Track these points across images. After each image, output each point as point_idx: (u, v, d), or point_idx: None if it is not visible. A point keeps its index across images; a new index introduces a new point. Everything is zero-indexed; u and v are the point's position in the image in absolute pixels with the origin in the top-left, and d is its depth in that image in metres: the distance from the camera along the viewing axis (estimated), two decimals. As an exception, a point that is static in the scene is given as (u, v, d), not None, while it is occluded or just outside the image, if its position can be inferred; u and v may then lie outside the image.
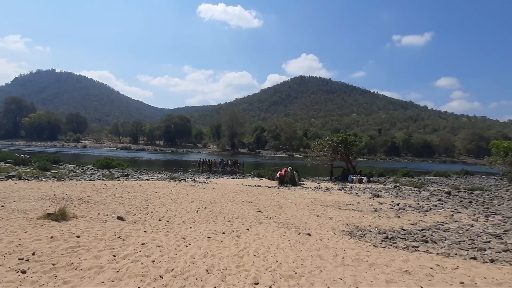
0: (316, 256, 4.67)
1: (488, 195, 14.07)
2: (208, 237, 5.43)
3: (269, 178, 19.84)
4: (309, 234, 6.22)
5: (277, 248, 5.01)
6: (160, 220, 6.77)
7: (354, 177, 20.26)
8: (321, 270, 4.02)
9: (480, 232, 7.02)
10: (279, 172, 17.94)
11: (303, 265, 4.21)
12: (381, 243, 5.94)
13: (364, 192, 14.39)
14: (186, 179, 17.80)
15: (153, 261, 3.98)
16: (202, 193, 11.40)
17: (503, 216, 9.09)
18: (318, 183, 18.44)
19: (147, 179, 16.88)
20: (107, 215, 6.77)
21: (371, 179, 21.65)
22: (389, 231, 7.09)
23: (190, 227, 6.17)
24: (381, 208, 10.30)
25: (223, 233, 5.82)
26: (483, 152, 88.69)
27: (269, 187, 15.53)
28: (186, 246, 4.83)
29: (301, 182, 18.38)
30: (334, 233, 6.54)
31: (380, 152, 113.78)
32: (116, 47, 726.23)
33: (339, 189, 15.78)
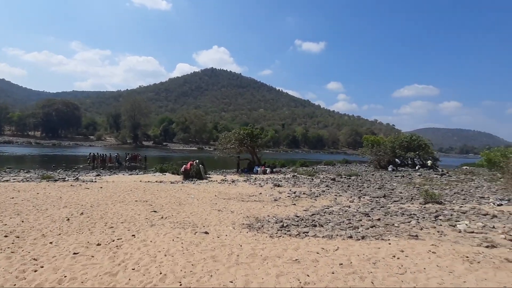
0: (210, 258, 4.27)
1: (360, 179, 17.12)
2: (75, 253, 4.26)
3: (173, 173, 18.52)
4: (206, 233, 5.79)
5: (165, 255, 4.35)
6: (6, 236, 5.00)
7: (259, 169, 21.20)
8: (211, 275, 3.62)
9: (355, 212, 8.21)
10: (184, 166, 16.93)
11: (192, 272, 3.72)
12: (277, 233, 6.07)
13: (267, 183, 15.12)
14: (67, 178, 14.58)
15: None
16: (83, 194, 9.40)
17: (370, 197, 11.06)
18: (225, 176, 18.40)
19: (7, 180, 12.99)
20: None
21: (274, 169, 23.20)
22: (285, 219, 7.42)
23: (51, 242, 4.76)
24: (280, 197, 10.90)
25: (98, 244, 4.72)
26: (358, 144, 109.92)
27: (172, 183, 14.40)
28: (35, 271, 3.59)
29: (207, 175, 17.90)
30: (234, 228, 6.33)
31: (283, 145, 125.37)
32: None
33: (244, 180, 16.11)
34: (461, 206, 8.74)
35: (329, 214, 8.08)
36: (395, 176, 18.93)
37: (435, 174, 20.61)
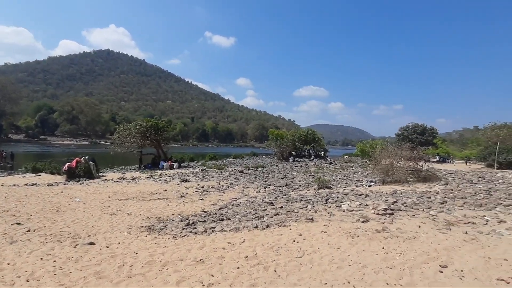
0: (93, 275, 3.47)
1: (266, 170, 18.24)
2: None
3: (52, 173, 15.07)
4: (92, 243, 4.78)
5: (27, 281, 3.31)
6: None
7: (165, 164, 19.74)
8: (91, 298, 2.91)
9: (261, 202, 8.54)
10: (67, 163, 13.98)
11: (64, 299, 2.90)
12: (181, 232, 5.61)
13: (173, 179, 14.17)
14: None
15: None
16: None
17: (274, 186, 11.83)
18: (124, 173, 16.24)
19: None
20: None
21: (182, 164, 22.11)
22: (192, 216, 7.01)
23: None
24: (187, 193, 10.33)
25: None
26: (264, 138, 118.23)
27: (49, 185, 11.62)
28: None
29: (100, 173, 15.39)
30: (129, 233, 5.49)
31: (192, 138, 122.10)
32: None
33: (148, 177, 14.62)
34: (344, 189, 10.37)
35: (237, 206, 8.12)
36: (295, 166, 21.09)
37: (325, 163, 24.09)
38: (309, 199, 8.43)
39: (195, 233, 5.58)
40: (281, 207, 7.59)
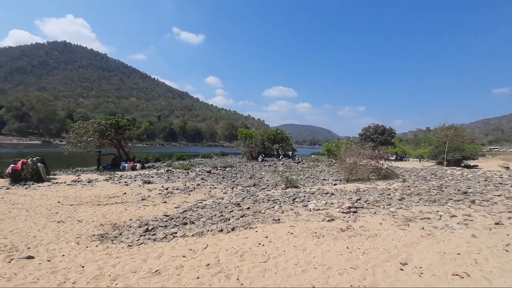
0: (24, 298, 2.96)
1: (234, 170, 17.97)
2: None
3: (-9, 176, 13.33)
4: (30, 257, 4.17)
5: None
6: None
7: (126, 165, 18.54)
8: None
9: (227, 203, 8.28)
10: (12, 165, 12.45)
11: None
12: (138, 240, 5.16)
13: (135, 180, 13.31)
14: None
15: None
16: None
17: (242, 186, 11.63)
18: (79, 176, 14.91)
19: None
20: None
21: (146, 165, 20.99)
22: (152, 220, 6.54)
23: None
24: (149, 196, 9.72)
25: None
26: (234, 137, 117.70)
27: (-14, 190, 10.22)
28: None
29: (51, 176, 13.96)
30: (78, 243, 4.91)
31: (159, 138, 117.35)
32: None
33: (106, 180, 13.56)
34: (311, 188, 10.50)
35: (202, 208, 7.78)
36: (264, 166, 21.10)
37: (293, 162, 24.46)
38: (277, 199, 8.36)
39: (154, 240, 5.17)
40: (248, 208, 7.40)
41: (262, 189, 10.98)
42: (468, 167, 21.67)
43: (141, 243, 4.93)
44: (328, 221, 5.83)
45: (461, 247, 4.21)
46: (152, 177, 14.51)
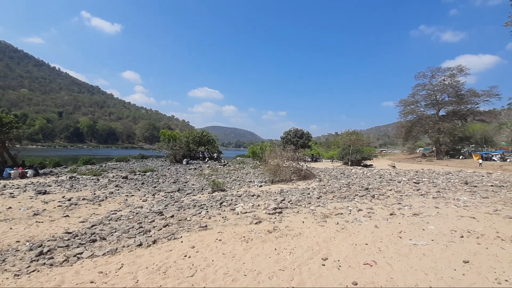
0: None
1: (156, 175, 16.60)
2: None
3: None
4: None
5: None
6: None
7: (12, 171, 14.88)
8: None
9: (148, 212, 7.48)
10: None
11: None
12: (29, 266, 4.09)
13: (25, 191, 10.76)
14: None
15: None
16: None
17: (165, 192, 10.77)
18: None
19: None
20: None
21: (41, 171, 17.32)
22: (49, 240, 5.31)
23: None
24: (45, 209, 7.94)
25: None
26: (155, 139, 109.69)
27: None
28: None
29: None
30: None
31: (60, 138, 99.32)
32: None
33: (-21, 191, 10.50)
34: (238, 191, 10.54)
35: (116, 220, 6.79)
36: (189, 169, 20.23)
37: (219, 165, 24.28)
38: (203, 204, 8.03)
39: (51, 265, 4.18)
40: (172, 216, 6.85)
41: (188, 194, 10.42)
42: (366, 166, 25.79)
43: (33, 271, 3.90)
44: (256, 223, 5.88)
45: (368, 237, 4.83)
46: (50, 186, 12.04)
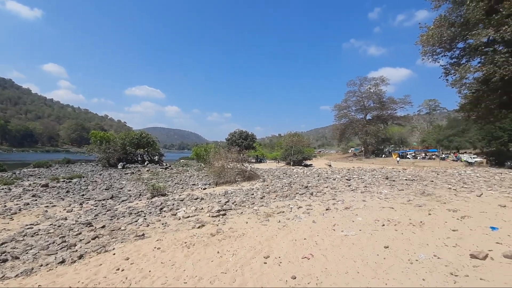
0: None
1: (85, 181, 14.80)
2: None
3: None
4: None
5: None
6: None
7: None
8: None
9: (73, 224, 6.60)
10: None
11: None
12: None
13: None
14: None
15: None
16: None
17: (95, 200, 9.68)
18: None
19: None
20: None
21: None
22: None
23: None
24: None
25: None
26: (84, 141, 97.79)
27: None
28: None
29: None
30: None
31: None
32: None
33: None
34: (180, 195, 10.10)
35: (33, 236, 5.82)
36: (125, 174, 18.60)
37: (161, 168, 22.95)
38: (141, 211, 7.46)
39: None
40: (103, 226, 6.17)
41: (123, 201, 9.55)
42: (306, 166, 27.52)
43: None
44: (199, 227, 5.71)
45: (306, 232, 5.12)
46: None
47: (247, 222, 5.99)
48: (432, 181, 11.41)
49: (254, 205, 7.70)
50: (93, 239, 5.38)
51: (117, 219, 6.85)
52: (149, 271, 3.70)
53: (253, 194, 9.46)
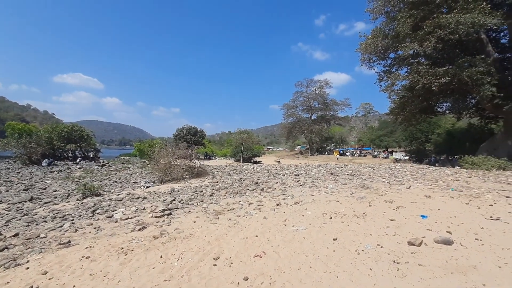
0: None
1: (-4, 181, 12.30)
2: None
3: None
4: None
5: None
6: None
7: None
8: None
9: (-27, 234, 5.28)
10: None
11: None
12: None
13: None
14: None
15: None
16: None
17: (9, 203, 8.05)
18: None
19: None
20: None
21: None
22: None
23: None
24: None
25: None
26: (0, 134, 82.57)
27: None
28: None
29: None
30: None
31: None
32: None
33: None
34: (118, 194, 9.05)
35: None
36: (51, 172, 16.11)
37: (96, 165, 20.56)
38: (68, 215, 6.40)
39: None
40: (16, 234, 5.08)
41: (46, 203, 8.13)
42: (256, 162, 27.81)
43: None
44: (139, 230, 5.09)
45: (258, 229, 4.96)
46: None
47: (195, 222, 5.57)
48: (370, 175, 12.48)
49: (203, 203, 7.28)
50: (0, 251, 4.35)
51: (36, 224, 5.72)
52: (73, 286, 3.07)
53: (202, 192, 8.99)
